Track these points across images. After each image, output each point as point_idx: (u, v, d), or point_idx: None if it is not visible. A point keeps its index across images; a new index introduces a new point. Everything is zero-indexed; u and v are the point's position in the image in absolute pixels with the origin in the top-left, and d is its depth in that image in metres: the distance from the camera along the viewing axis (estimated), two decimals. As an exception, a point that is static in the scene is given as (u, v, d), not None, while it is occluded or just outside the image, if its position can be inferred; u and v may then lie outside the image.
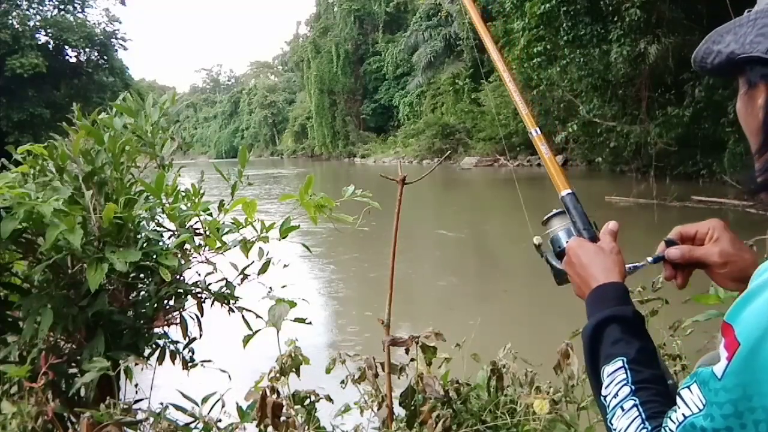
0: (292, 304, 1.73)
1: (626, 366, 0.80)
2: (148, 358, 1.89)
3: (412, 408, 1.75)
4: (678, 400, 0.70)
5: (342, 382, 1.80)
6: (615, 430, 0.77)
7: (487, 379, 1.83)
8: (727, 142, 14.42)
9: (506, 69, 1.30)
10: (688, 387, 0.69)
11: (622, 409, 0.77)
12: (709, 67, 0.82)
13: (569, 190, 1.06)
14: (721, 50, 0.79)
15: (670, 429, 0.70)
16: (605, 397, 0.80)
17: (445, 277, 8.74)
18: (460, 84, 36.67)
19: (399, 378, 1.79)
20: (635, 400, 0.77)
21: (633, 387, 0.78)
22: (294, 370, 1.73)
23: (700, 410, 0.66)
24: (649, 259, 0.98)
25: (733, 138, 14.04)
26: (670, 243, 0.98)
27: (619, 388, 0.79)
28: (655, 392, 0.78)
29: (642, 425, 0.75)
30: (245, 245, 1.93)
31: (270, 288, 1.88)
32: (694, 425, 0.67)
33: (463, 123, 35.28)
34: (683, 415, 0.68)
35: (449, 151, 33.21)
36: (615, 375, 0.80)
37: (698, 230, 0.97)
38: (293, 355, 1.73)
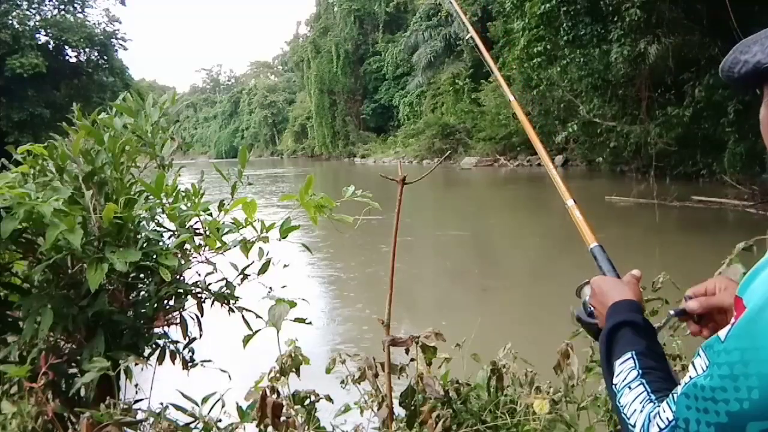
0: (292, 304, 1.73)
1: (634, 357, 0.88)
2: (148, 358, 1.89)
3: (412, 408, 1.75)
4: (689, 368, 0.75)
5: (342, 382, 1.80)
6: (623, 407, 0.84)
7: (487, 379, 1.83)
8: (727, 142, 14.41)
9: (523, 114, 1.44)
10: (698, 354, 0.74)
11: (629, 388, 0.85)
12: (735, 76, 0.86)
13: (596, 243, 1.19)
14: (747, 60, 0.83)
15: (676, 392, 0.76)
16: (615, 384, 0.88)
17: (446, 277, 8.74)
18: (460, 84, 36.65)
19: (399, 378, 1.79)
20: (642, 380, 0.85)
21: (640, 371, 0.86)
22: (294, 370, 1.73)
23: (704, 371, 0.72)
24: (672, 312, 1.06)
25: (733, 138, 14.03)
26: (687, 298, 1.06)
27: (628, 373, 0.87)
28: (661, 376, 0.85)
29: (647, 397, 0.82)
30: (245, 245, 1.93)
31: (270, 288, 1.88)
32: (696, 384, 0.72)
33: (463, 123, 35.25)
34: (689, 377, 0.74)
35: (449, 151, 33.19)
36: (624, 364, 0.88)
37: (707, 286, 1.06)
38: (293, 355, 1.74)
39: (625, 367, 0.88)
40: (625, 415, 0.84)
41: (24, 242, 1.79)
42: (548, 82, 20.07)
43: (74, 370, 1.83)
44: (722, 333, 0.71)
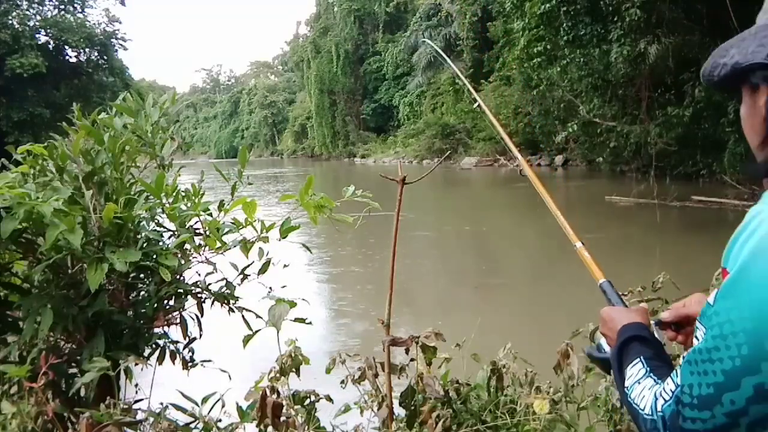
0: (292, 304, 1.73)
1: (642, 360, 0.95)
2: (148, 358, 1.89)
3: (412, 408, 1.75)
4: (693, 342, 0.81)
5: (342, 382, 1.80)
6: (633, 400, 0.90)
7: (487, 379, 1.83)
8: (727, 142, 14.41)
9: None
10: (697, 327, 0.80)
11: (638, 383, 0.91)
12: (716, 79, 0.91)
13: (605, 279, 1.28)
14: (726, 62, 0.88)
15: (679, 366, 0.82)
16: (627, 387, 0.93)
17: (446, 277, 8.74)
18: (460, 84, 36.64)
19: (399, 378, 1.79)
20: (650, 375, 0.91)
21: (648, 369, 0.93)
22: (294, 370, 1.73)
23: (703, 337, 0.77)
24: (653, 321, 1.14)
25: (733, 138, 14.03)
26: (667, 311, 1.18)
27: (637, 373, 0.93)
28: (668, 372, 0.89)
29: (654, 383, 0.88)
30: (245, 245, 1.93)
31: (270, 288, 1.88)
32: (695, 350, 0.78)
33: (463, 123, 35.24)
34: (692, 348, 0.80)
35: (449, 151, 33.18)
36: (634, 368, 0.94)
37: (685, 301, 1.16)
38: (293, 355, 1.73)
39: (635, 370, 0.94)
40: (637, 405, 0.88)
41: (24, 242, 1.79)
42: (548, 82, 20.07)
43: (74, 370, 1.83)
44: (710, 298, 0.77)
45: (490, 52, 34.56)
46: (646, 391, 0.88)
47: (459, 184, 25.80)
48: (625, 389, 0.93)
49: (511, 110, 27.03)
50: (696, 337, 0.80)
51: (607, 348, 1.13)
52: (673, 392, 0.82)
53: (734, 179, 13.78)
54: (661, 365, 0.93)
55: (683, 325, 1.13)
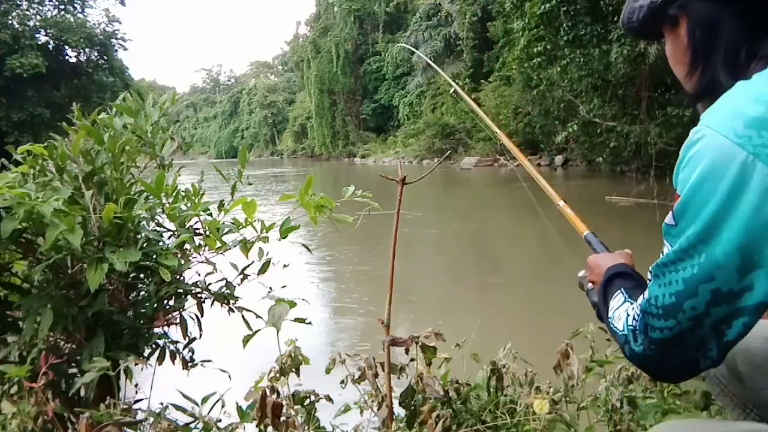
0: (292, 304, 1.73)
1: (623, 291, 1.01)
2: (148, 358, 1.89)
3: (412, 408, 1.75)
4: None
5: (342, 382, 1.80)
6: (613, 324, 0.95)
7: (487, 379, 1.83)
8: (727, 142, 14.38)
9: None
10: (664, 244, 0.85)
11: (618, 309, 0.96)
12: (636, 24, 0.95)
13: (588, 231, 1.36)
14: (642, 4, 0.92)
15: (647, 278, 0.88)
16: (610, 317, 0.98)
17: (446, 277, 8.74)
18: (460, 84, 36.56)
19: (399, 378, 1.79)
20: (627, 300, 0.97)
21: (626, 296, 0.99)
22: (294, 370, 1.73)
23: (666, 253, 0.83)
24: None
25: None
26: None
27: (617, 302, 0.99)
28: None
29: (631, 305, 0.93)
30: (245, 245, 1.93)
31: (270, 288, 1.87)
32: (658, 264, 0.84)
33: (463, 123, 35.23)
34: (656, 261, 0.85)
35: (449, 151, 33.19)
36: (616, 299, 1.00)
37: None
38: (293, 355, 1.73)
39: (616, 301, 1.00)
40: (615, 327, 0.95)
41: (24, 242, 1.79)
42: (548, 82, 20.05)
43: (74, 370, 1.83)
44: (668, 219, 0.84)
45: (490, 52, 34.58)
46: (622, 312, 0.94)
47: (459, 184, 25.79)
48: (608, 319, 0.98)
49: (511, 110, 27.03)
50: (661, 253, 0.85)
51: (587, 287, 1.20)
52: (641, 307, 0.87)
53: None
54: (639, 292, 0.96)
55: None
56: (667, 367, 0.87)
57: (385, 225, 1.75)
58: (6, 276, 1.88)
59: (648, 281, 0.87)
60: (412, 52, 43.82)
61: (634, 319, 0.89)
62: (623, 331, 0.91)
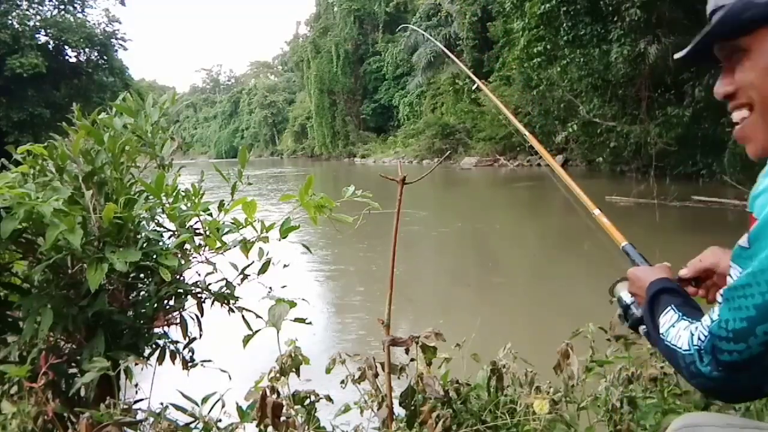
0: (292, 304, 1.73)
1: (674, 308, 1.00)
2: (148, 358, 1.89)
3: (412, 408, 1.75)
4: (727, 281, 0.86)
5: (342, 382, 1.80)
6: (670, 342, 0.95)
7: (487, 379, 1.82)
8: (727, 142, 14.39)
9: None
10: (731, 267, 0.85)
11: (673, 326, 0.96)
12: (746, 21, 0.88)
13: (627, 242, 1.33)
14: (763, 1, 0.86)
15: (718, 300, 0.87)
16: (661, 333, 0.98)
17: (446, 277, 8.74)
18: (460, 84, 36.60)
19: (399, 378, 1.79)
20: (683, 318, 0.96)
21: (680, 313, 0.98)
22: (294, 370, 1.73)
23: (738, 276, 0.83)
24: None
25: (733, 138, 13.99)
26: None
27: (670, 318, 0.98)
28: (700, 314, 0.95)
29: (691, 323, 0.93)
30: (245, 245, 1.93)
31: (270, 288, 1.87)
32: (730, 287, 0.84)
33: (463, 123, 35.22)
34: (727, 285, 0.85)
35: (449, 151, 33.17)
36: (666, 316, 1.00)
37: (700, 256, 1.21)
38: (293, 355, 1.73)
39: (667, 317, 0.99)
40: (674, 345, 0.93)
41: (24, 242, 1.79)
42: (548, 82, 20.06)
43: (74, 370, 1.83)
44: (743, 242, 0.83)
45: (490, 52, 34.58)
46: (682, 330, 0.93)
47: (459, 184, 25.79)
48: (660, 335, 0.98)
49: (511, 110, 26.88)
50: (730, 276, 0.85)
51: (628, 299, 1.20)
52: (709, 327, 0.87)
53: (734, 179, 13.77)
54: (691, 310, 0.99)
55: (703, 280, 1.19)
56: (731, 389, 0.88)
57: (385, 225, 1.75)
58: (6, 276, 1.88)
59: (718, 303, 0.88)
60: (412, 52, 43.85)
61: (699, 339, 0.88)
62: (688, 350, 0.90)
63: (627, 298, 1.21)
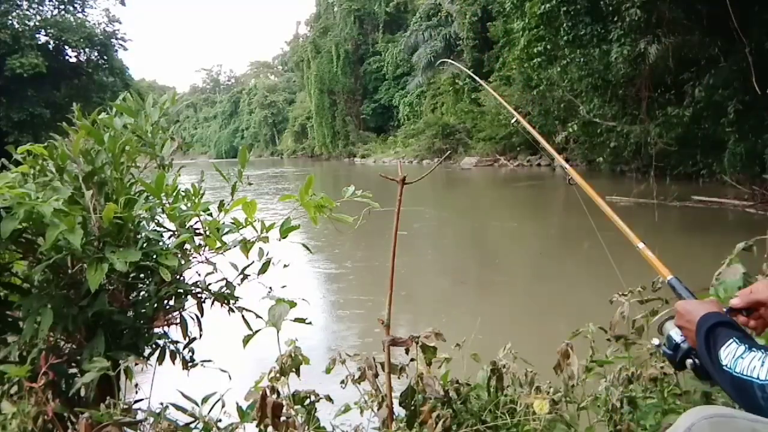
0: (292, 304, 1.73)
1: (736, 340, 1.01)
2: (148, 358, 1.89)
3: (412, 408, 1.75)
4: None
5: (342, 382, 1.80)
6: (741, 373, 0.95)
7: (487, 379, 1.82)
8: (727, 142, 14.39)
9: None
10: None
11: (742, 358, 0.96)
12: None
13: (672, 276, 1.32)
14: None
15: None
16: (726, 365, 0.99)
17: (446, 277, 8.74)
18: (460, 84, 36.62)
19: (399, 378, 1.79)
20: (751, 350, 0.96)
21: (746, 346, 0.98)
22: (294, 370, 1.73)
23: None
24: (724, 309, 1.19)
25: (733, 138, 14.01)
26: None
27: (735, 351, 0.99)
28: (765, 347, 0.95)
29: (764, 354, 0.93)
30: (245, 245, 1.93)
31: (270, 288, 1.87)
32: None
33: (463, 123, 35.23)
34: None
35: (449, 151, 33.18)
36: (729, 348, 1.00)
37: (752, 287, 1.21)
38: (293, 355, 1.73)
39: (731, 349, 1.00)
40: (748, 376, 0.94)
41: (24, 242, 1.79)
42: (548, 82, 20.04)
43: (74, 370, 1.83)
44: None
45: (490, 52, 34.55)
46: (756, 361, 0.94)
47: (459, 184, 25.79)
48: (725, 368, 0.99)
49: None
50: None
51: (678, 338, 1.19)
52: None
53: (734, 179, 13.77)
54: (754, 342, 0.99)
55: (753, 310, 1.19)
56: None
57: (385, 225, 1.75)
58: (6, 276, 1.88)
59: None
60: (412, 52, 43.82)
61: None
62: (765, 379, 0.91)
63: (677, 336, 1.20)
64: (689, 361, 1.16)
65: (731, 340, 1.01)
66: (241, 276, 2.02)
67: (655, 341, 1.29)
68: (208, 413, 1.67)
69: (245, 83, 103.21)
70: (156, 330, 1.99)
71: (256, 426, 1.62)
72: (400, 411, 1.78)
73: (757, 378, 0.92)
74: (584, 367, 1.82)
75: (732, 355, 0.98)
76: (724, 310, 1.18)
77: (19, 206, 1.57)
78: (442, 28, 40.98)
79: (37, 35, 32.00)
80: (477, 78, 2.33)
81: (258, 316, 1.84)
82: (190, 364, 2.04)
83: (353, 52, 54.97)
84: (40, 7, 33.31)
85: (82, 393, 1.83)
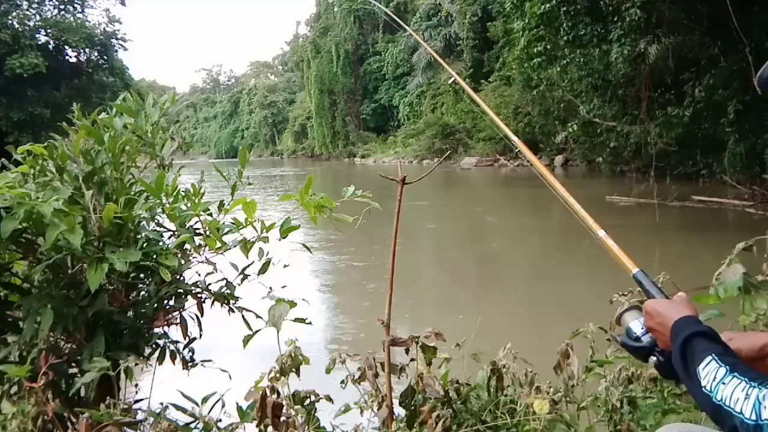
0: (292, 304, 1.73)
1: (716, 358, 0.93)
2: (148, 358, 1.89)
3: (412, 408, 1.75)
4: None
5: (342, 382, 1.80)
6: (722, 402, 0.88)
7: (487, 379, 1.82)
8: (727, 142, 14.41)
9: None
10: None
11: (723, 383, 0.89)
12: None
13: (638, 269, 1.21)
14: None
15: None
16: (705, 387, 0.92)
17: (446, 277, 8.74)
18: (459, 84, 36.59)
19: (399, 378, 1.79)
20: (733, 374, 0.89)
21: (727, 368, 0.90)
22: (294, 370, 1.73)
23: None
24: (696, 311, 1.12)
25: (733, 138, 14.03)
26: None
27: (716, 373, 0.91)
28: (747, 368, 0.90)
29: (748, 385, 0.86)
30: (245, 245, 1.93)
31: (270, 288, 1.87)
32: None
33: (463, 123, 35.23)
34: None
35: (449, 151, 33.19)
36: (708, 367, 0.93)
37: (729, 336, 1.13)
38: (293, 355, 1.73)
39: (711, 369, 0.92)
40: (730, 407, 0.87)
41: (24, 242, 1.79)
42: (548, 82, 20.06)
43: (74, 370, 1.83)
44: None
45: (490, 52, 34.58)
46: (739, 392, 0.87)
47: (459, 184, 25.80)
48: (704, 389, 0.92)
49: (511, 110, 27.04)
50: None
51: (638, 331, 1.13)
52: None
53: (734, 179, 13.78)
54: (737, 362, 0.92)
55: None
56: None
57: (385, 225, 1.75)
58: (6, 276, 1.88)
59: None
60: (412, 52, 43.81)
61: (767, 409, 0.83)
62: (754, 421, 0.84)
63: (637, 329, 1.14)
64: (653, 359, 1.10)
65: (710, 358, 0.93)
66: (241, 276, 2.02)
67: (619, 338, 1.21)
68: (208, 413, 1.67)
69: (245, 83, 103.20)
70: (156, 330, 1.99)
71: (256, 426, 1.62)
72: (400, 411, 1.78)
73: (741, 414, 0.85)
74: (584, 367, 1.82)
75: (712, 377, 0.91)
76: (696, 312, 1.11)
77: (19, 206, 1.57)
78: (442, 28, 41.00)
79: (37, 35, 32.05)
80: (456, 75, 2.27)
81: (258, 316, 1.84)
82: (190, 364, 2.04)
83: (353, 52, 54.98)
84: (40, 7, 33.35)
85: (82, 393, 1.83)
